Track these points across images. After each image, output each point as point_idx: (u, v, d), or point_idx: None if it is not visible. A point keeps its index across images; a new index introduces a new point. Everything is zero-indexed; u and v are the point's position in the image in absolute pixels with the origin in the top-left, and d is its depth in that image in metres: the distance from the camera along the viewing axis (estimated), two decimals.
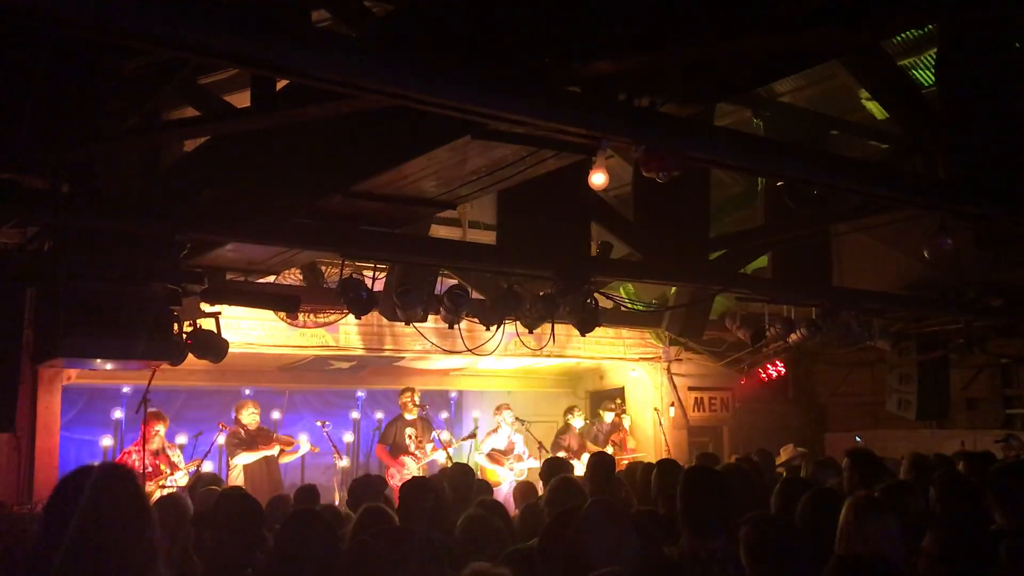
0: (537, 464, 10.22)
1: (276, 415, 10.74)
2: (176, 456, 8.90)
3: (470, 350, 8.83)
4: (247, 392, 10.69)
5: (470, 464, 9.65)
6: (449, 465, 10.24)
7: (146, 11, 2.82)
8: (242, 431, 9.51)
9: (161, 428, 8.72)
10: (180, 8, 2.88)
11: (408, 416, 10.40)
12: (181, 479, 8.55)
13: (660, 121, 3.95)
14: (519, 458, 10.99)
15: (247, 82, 4.64)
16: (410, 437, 10.27)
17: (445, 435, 10.82)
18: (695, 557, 3.83)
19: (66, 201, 5.23)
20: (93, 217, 5.10)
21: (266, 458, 9.44)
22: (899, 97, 6.09)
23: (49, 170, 5.21)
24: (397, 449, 10.25)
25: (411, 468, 10.07)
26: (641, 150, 3.83)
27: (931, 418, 11.24)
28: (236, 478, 9.23)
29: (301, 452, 10.00)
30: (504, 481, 10.65)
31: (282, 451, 9.69)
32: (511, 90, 3.56)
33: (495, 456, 10.91)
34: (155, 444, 8.59)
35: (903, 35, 6.76)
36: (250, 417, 9.59)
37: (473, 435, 11.45)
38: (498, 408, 11.32)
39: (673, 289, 9.69)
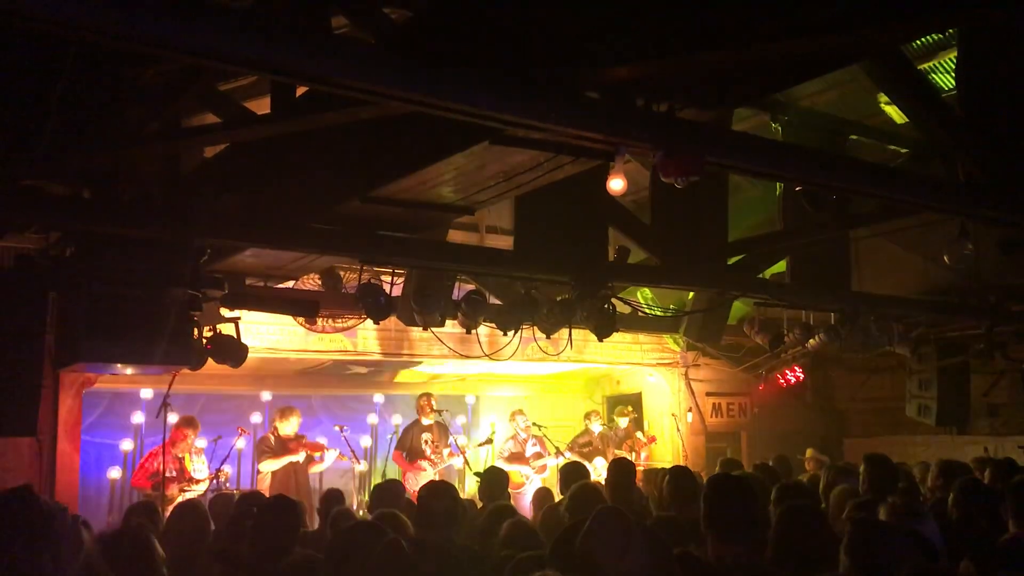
0: (558, 461, 10.22)
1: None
2: (200, 462, 8.87)
3: (488, 355, 8.84)
4: (267, 397, 10.73)
5: None
6: (467, 471, 10.23)
7: (166, 19, 2.85)
8: (272, 437, 9.46)
9: (191, 435, 8.73)
10: (200, 15, 2.90)
11: (425, 421, 10.38)
12: (200, 487, 8.57)
13: (678, 126, 3.95)
14: (539, 455, 11.00)
15: (267, 88, 4.67)
16: (426, 442, 10.26)
17: (462, 440, 10.79)
18: (719, 562, 3.84)
19: (87, 207, 5.29)
20: (114, 223, 5.14)
21: (295, 465, 9.34)
22: (919, 101, 6.04)
23: (71, 176, 5.27)
24: (414, 454, 10.23)
25: (428, 473, 10.07)
26: (659, 155, 3.82)
27: (951, 424, 11.13)
28: (263, 484, 9.23)
29: (327, 463, 9.79)
30: (527, 481, 10.68)
31: (310, 459, 9.57)
32: (529, 96, 3.56)
33: (514, 457, 10.91)
34: (179, 450, 8.62)
35: (923, 39, 6.72)
36: (287, 427, 9.46)
37: (490, 440, 11.42)
38: (512, 415, 11.33)
39: (691, 294, 9.66)
